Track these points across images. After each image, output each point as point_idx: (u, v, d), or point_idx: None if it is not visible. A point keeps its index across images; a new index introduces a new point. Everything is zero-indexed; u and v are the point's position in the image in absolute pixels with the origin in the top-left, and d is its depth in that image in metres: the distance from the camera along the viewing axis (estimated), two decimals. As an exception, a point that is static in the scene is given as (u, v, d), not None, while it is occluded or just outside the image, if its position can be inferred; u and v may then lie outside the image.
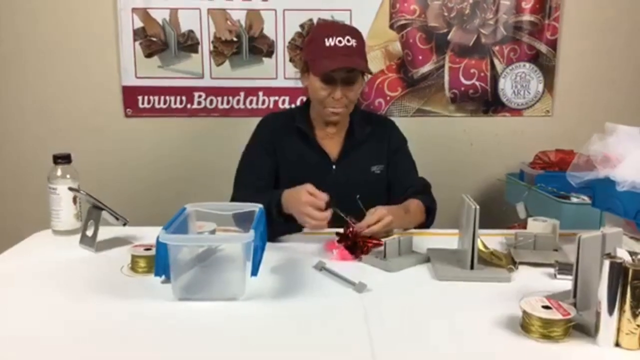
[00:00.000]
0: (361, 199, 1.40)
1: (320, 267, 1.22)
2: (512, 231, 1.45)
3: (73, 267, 1.23)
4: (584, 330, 0.92)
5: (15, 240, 1.42)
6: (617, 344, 0.88)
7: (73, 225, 1.45)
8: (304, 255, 1.31)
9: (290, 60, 2.48)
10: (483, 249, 1.25)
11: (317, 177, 1.58)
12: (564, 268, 1.17)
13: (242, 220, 1.27)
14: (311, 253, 1.32)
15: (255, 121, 1.70)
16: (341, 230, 1.34)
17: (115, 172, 2.51)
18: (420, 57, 2.50)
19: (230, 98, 2.50)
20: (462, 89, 2.53)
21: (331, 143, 1.62)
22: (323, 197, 1.31)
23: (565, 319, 0.89)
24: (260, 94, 2.50)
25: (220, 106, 2.50)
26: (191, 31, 2.44)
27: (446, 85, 2.52)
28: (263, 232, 1.21)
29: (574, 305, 0.95)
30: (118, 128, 2.50)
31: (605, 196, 1.30)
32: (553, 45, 2.50)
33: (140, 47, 2.44)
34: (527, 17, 2.47)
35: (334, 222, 1.33)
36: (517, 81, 2.53)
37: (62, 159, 1.43)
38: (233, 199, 1.57)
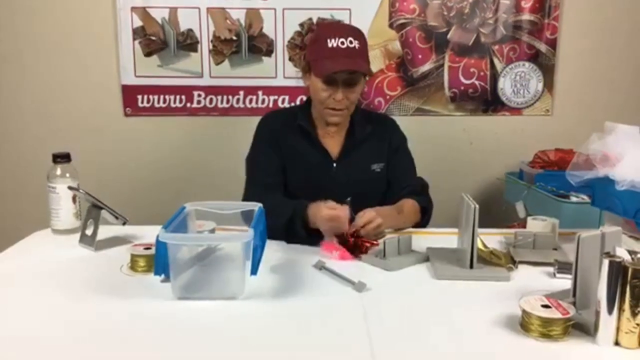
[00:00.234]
0: (362, 197, 1.41)
1: (320, 267, 1.22)
2: (512, 230, 1.45)
3: (72, 267, 1.23)
4: (584, 329, 0.92)
5: (15, 239, 1.42)
6: (617, 343, 0.88)
7: (72, 224, 1.44)
8: (304, 255, 1.31)
9: (290, 59, 2.48)
10: (482, 248, 1.25)
11: (318, 175, 1.58)
12: (563, 267, 1.18)
13: (250, 219, 1.27)
14: (311, 252, 1.32)
15: (254, 120, 1.70)
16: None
17: (114, 171, 2.51)
18: (419, 56, 2.50)
19: (230, 97, 2.50)
20: (462, 88, 2.53)
21: (332, 142, 1.62)
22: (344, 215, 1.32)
23: (565, 318, 0.89)
24: (260, 93, 2.50)
25: (219, 105, 2.50)
26: (190, 30, 2.44)
27: (446, 85, 2.52)
28: (262, 231, 1.21)
29: (574, 304, 0.95)
30: (117, 127, 2.50)
31: (604, 195, 1.30)
32: (553, 44, 2.50)
33: (140, 46, 2.44)
34: (526, 16, 2.47)
35: None
36: (516, 80, 2.53)
37: (62, 158, 1.43)
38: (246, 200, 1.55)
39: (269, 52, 2.47)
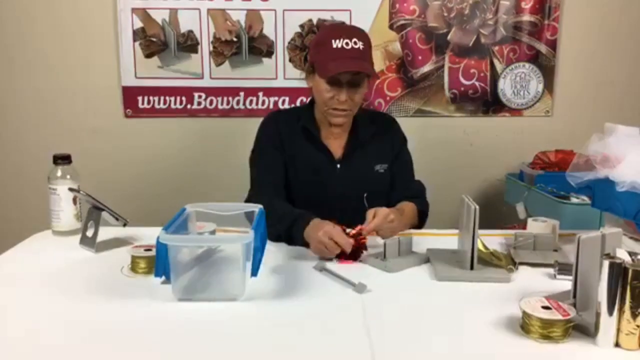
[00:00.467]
0: (365, 199, 1.40)
1: (321, 268, 1.22)
2: (512, 231, 1.45)
3: (73, 268, 1.23)
4: (584, 330, 0.92)
5: (16, 240, 1.42)
6: (617, 345, 0.88)
7: (73, 225, 1.45)
8: (304, 256, 1.31)
9: (290, 60, 2.48)
10: (483, 249, 1.25)
11: (321, 176, 1.58)
12: (563, 268, 1.18)
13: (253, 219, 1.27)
14: (311, 254, 1.32)
15: (255, 121, 1.70)
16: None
17: (115, 173, 2.51)
18: (420, 57, 2.50)
19: (230, 98, 2.50)
20: (462, 89, 2.53)
21: (335, 143, 1.62)
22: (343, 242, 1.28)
23: (565, 320, 0.89)
24: (260, 94, 2.50)
25: (220, 106, 2.50)
26: (191, 31, 2.44)
27: (446, 86, 2.52)
28: (263, 232, 1.21)
29: (574, 305, 0.95)
30: (118, 128, 2.50)
31: (604, 196, 1.30)
32: (553, 45, 2.51)
33: (140, 48, 2.44)
34: (526, 17, 2.47)
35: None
36: (516, 81, 2.53)
37: (62, 160, 1.43)
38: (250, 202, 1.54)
39: (269, 53, 2.47)
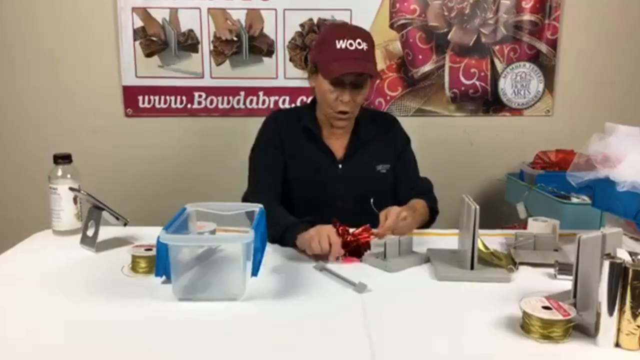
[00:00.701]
0: (367, 199, 1.40)
1: (321, 268, 1.22)
2: (512, 231, 1.45)
3: (73, 267, 1.24)
4: (584, 330, 0.92)
5: (16, 240, 1.42)
6: (617, 345, 0.88)
7: (73, 225, 1.44)
8: (305, 256, 1.31)
9: (291, 59, 2.48)
10: (483, 249, 1.25)
11: (323, 176, 1.58)
12: (564, 268, 1.17)
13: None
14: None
15: (255, 121, 1.70)
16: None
17: (115, 172, 2.52)
18: (420, 57, 2.50)
19: (231, 98, 2.50)
20: (463, 88, 2.53)
21: (337, 143, 1.62)
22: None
23: (566, 320, 0.89)
24: (261, 93, 2.50)
25: (220, 106, 2.50)
26: (191, 31, 2.44)
27: (446, 85, 2.52)
28: (263, 232, 1.21)
29: (574, 305, 0.95)
30: (118, 128, 2.50)
31: (605, 196, 1.30)
32: (553, 44, 2.50)
33: (140, 47, 2.44)
34: (527, 17, 2.47)
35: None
36: (517, 81, 2.53)
37: (63, 159, 1.43)
38: (246, 201, 1.54)
39: (270, 52, 2.47)
